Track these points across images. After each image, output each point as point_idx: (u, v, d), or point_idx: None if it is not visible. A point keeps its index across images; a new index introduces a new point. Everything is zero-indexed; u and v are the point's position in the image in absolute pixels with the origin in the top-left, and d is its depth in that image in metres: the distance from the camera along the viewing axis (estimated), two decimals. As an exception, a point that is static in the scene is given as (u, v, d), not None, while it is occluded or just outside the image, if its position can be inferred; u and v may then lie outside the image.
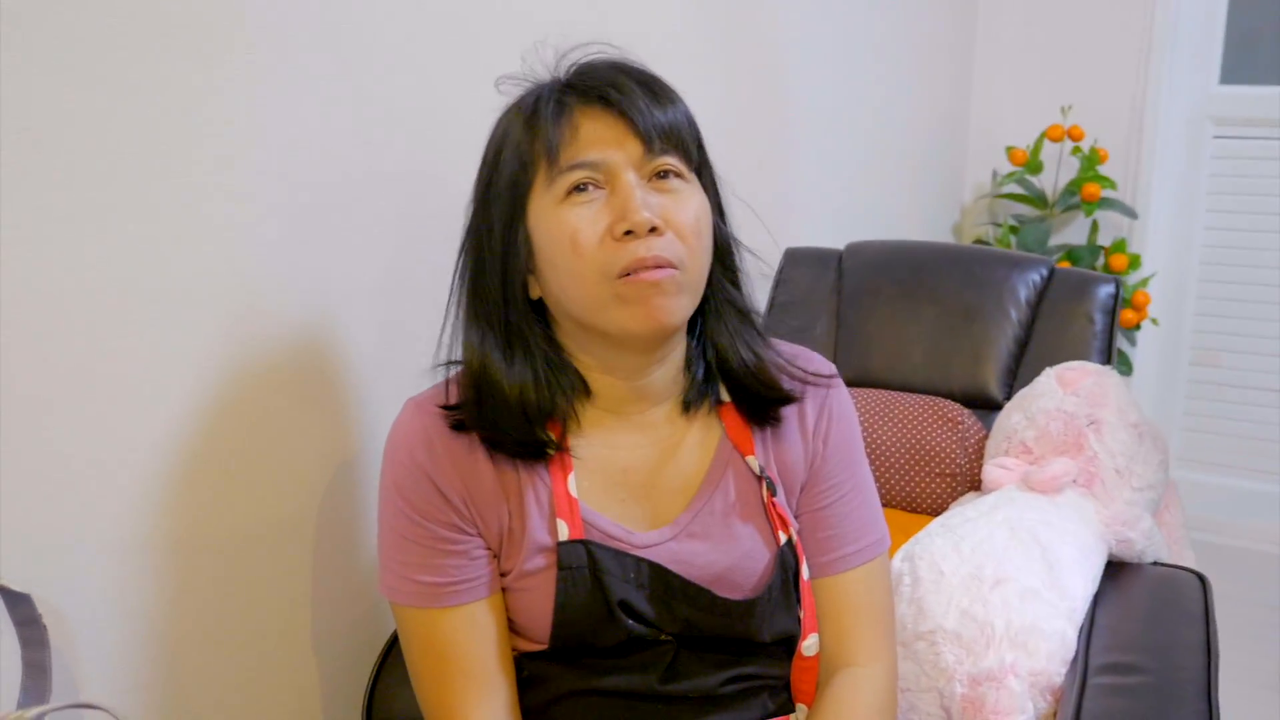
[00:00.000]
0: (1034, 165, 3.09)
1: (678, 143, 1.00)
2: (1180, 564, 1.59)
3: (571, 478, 1.03)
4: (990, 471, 1.60)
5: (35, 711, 0.93)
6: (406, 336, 1.40)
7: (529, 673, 1.07)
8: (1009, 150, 3.13)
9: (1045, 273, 1.91)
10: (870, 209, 2.78)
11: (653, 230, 0.95)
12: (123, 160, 1.04)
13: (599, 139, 0.97)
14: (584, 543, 1.01)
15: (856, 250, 2.04)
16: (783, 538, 1.08)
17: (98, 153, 1.02)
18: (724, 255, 1.08)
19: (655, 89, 1.01)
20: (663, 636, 1.04)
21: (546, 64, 1.05)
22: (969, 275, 1.93)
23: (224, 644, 1.23)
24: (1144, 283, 3.07)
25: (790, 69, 2.30)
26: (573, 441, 1.05)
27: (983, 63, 3.30)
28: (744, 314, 1.10)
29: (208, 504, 1.18)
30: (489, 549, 1.04)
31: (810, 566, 1.12)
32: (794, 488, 1.12)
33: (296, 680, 1.33)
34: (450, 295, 1.07)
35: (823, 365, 1.16)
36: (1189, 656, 1.33)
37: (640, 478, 1.07)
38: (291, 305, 1.25)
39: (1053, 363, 1.72)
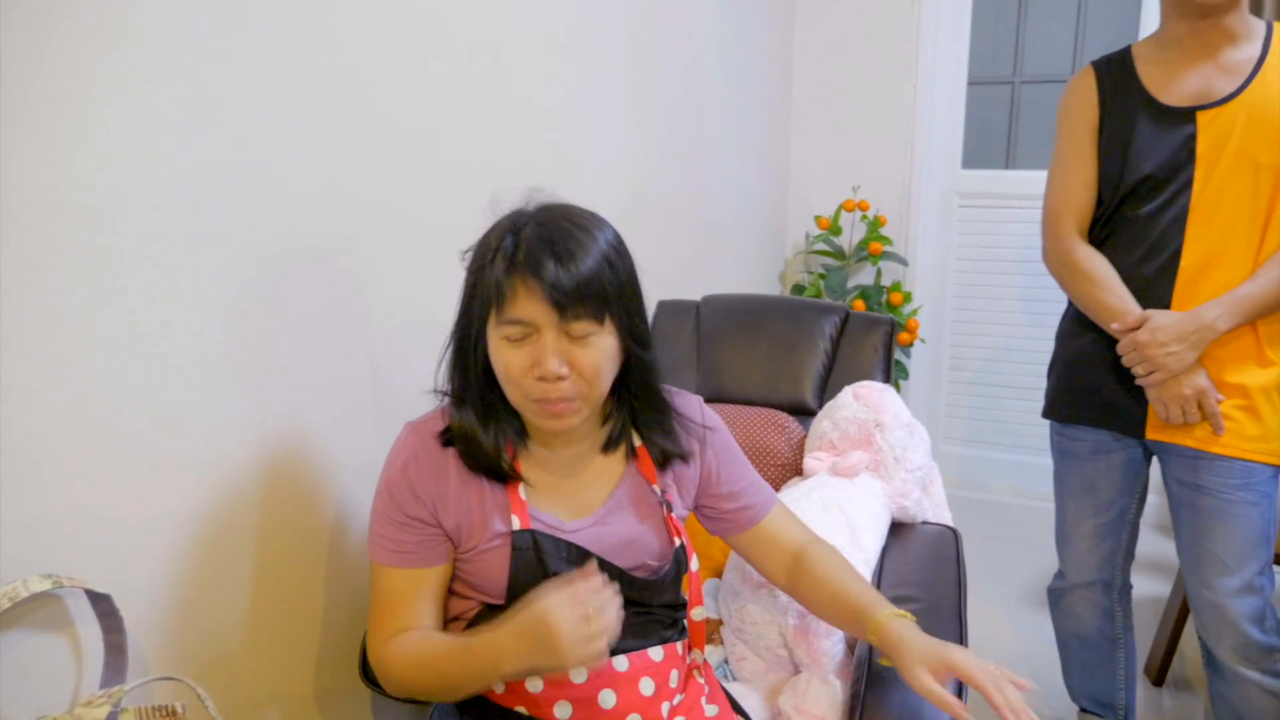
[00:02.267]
0: (835, 229, 3.18)
1: (586, 303, 0.99)
2: (942, 522, 1.69)
3: (521, 487, 1.10)
4: (808, 463, 1.67)
5: (129, 687, 0.94)
6: (392, 389, 1.41)
7: (489, 617, 1.09)
8: (817, 219, 3.22)
9: (843, 315, 1.97)
10: (723, 264, 2.85)
11: (560, 376, 1.00)
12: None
13: (529, 304, 0.99)
14: (530, 532, 1.08)
15: (710, 301, 2.09)
16: (677, 542, 1.15)
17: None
18: (643, 345, 1.09)
19: (575, 258, 0.99)
20: None
21: (513, 212, 1.05)
22: (790, 318, 1.98)
23: (252, 620, 1.23)
24: (915, 312, 3.18)
25: (672, 173, 2.34)
26: (522, 464, 1.11)
27: (796, 156, 3.37)
28: (656, 391, 1.14)
29: (240, 518, 1.19)
30: (446, 536, 1.09)
31: (738, 527, 1.24)
32: (690, 490, 1.21)
33: (308, 643, 1.34)
34: (439, 364, 1.11)
35: (699, 408, 1.22)
36: (947, 588, 1.44)
37: (569, 487, 1.13)
38: (318, 366, 1.27)
39: (850, 382, 1.78)
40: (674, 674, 1.16)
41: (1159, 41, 1.57)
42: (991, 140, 3.29)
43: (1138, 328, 1.52)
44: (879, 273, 3.20)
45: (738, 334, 2.00)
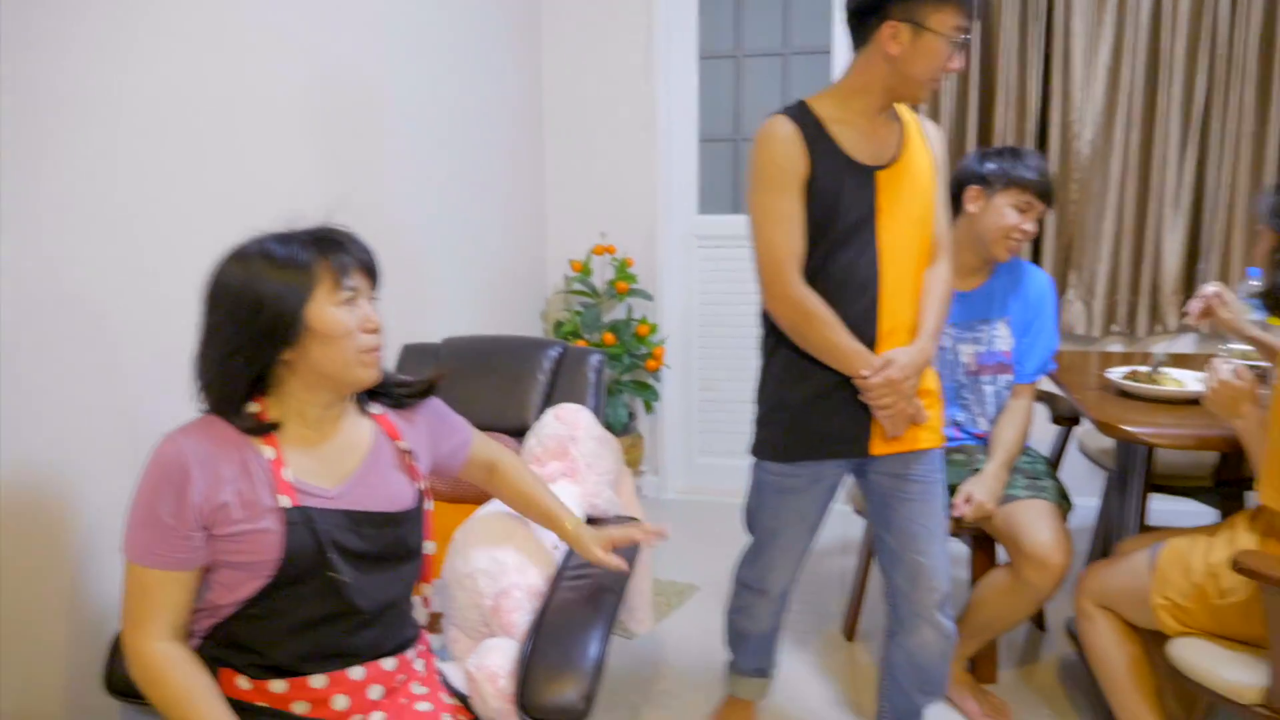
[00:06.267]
0: (587, 271, 3.52)
1: (378, 275, 1.34)
2: (629, 514, 2.01)
3: (284, 470, 1.26)
4: None
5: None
6: (142, 415, 1.58)
7: (257, 611, 1.24)
8: (571, 262, 3.55)
9: (560, 350, 2.29)
10: (493, 304, 3.15)
11: (379, 328, 1.30)
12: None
13: (356, 274, 1.28)
14: (300, 508, 1.25)
15: (450, 343, 2.36)
16: (420, 484, 1.40)
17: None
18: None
19: (372, 254, 1.32)
20: (343, 578, 1.25)
21: (304, 230, 1.28)
22: (515, 355, 2.28)
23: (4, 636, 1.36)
24: (662, 342, 3.55)
25: (427, 223, 2.62)
26: (283, 444, 1.28)
27: (552, 208, 3.69)
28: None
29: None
30: (207, 534, 1.21)
31: (460, 462, 1.57)
32: (425, 448, 1.47)
33: (53, 663, 1.44)
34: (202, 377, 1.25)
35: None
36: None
37: (329, 455, 1.32)
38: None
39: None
40: (400, 677, 1.37)
41: (841, 103, 1.71)
42: (721, 189, 3.74)
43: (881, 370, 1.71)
44: (629, 309, 3.56)
45: (473, 370, 2.29)
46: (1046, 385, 2.55)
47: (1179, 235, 3.19)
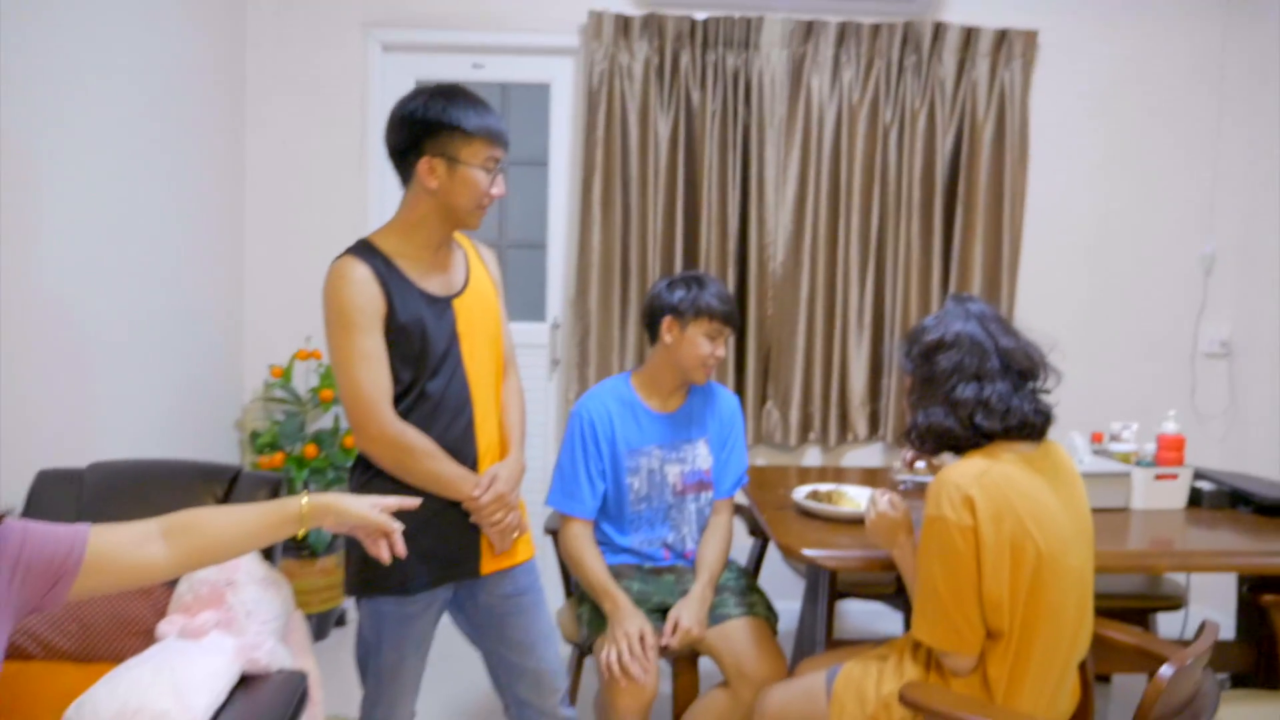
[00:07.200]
0: (288, 377, 3.28)
1: None
2: (298, 668, 1.81)
3: None
4: (160, 628, 1.72)
5: None
6: None
7: None
8: (272, 368, 3.30)
9: (233, 475, 2.08)
10: (175, 414, 2.83)
11: None
12: None
13: None
14: None
15: (96, 468, 2.08)
16: None
17: None
18: None
19: None
20: None
21: None
22: (176, 483, 2.05)
23: None
24: None
25: (89, 320, 2.30)
26: None
27: (250, 306, 3.44)
28: None
29: None
30: None
31: (71, 574, 1.17)
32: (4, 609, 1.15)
33: None
34: None
35: None
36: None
37: None
38: None
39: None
40: None
41: (403, 239, 1.76)
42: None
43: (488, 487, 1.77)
44: (337, 417, 3.34)
45: (121, 502, 2.01)
46: (742, 499, 2.63)
47: (863, 352, 3.47)
